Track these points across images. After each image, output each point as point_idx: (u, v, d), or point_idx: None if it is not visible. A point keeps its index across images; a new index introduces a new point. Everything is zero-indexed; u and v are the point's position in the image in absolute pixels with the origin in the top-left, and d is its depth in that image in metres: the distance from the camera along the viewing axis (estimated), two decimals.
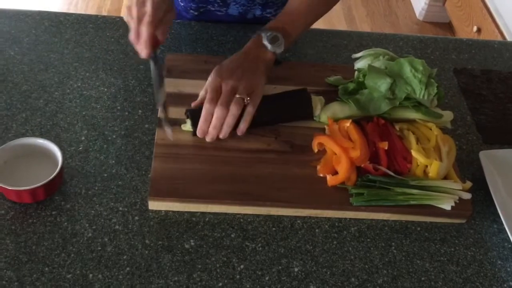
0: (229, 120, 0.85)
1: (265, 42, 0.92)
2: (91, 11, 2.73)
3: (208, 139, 0.87)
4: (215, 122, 0.85)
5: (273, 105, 0.92)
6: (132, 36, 0.82)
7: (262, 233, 0.80)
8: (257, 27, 0.96)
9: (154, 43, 0.82)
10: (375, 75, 0.92)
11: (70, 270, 0.73)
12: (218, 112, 0.85)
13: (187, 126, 0.88)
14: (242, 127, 0.87)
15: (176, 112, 0.90)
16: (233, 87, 0.86)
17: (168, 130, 0.86)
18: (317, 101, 0.93)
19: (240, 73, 0.88)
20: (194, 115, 0.87)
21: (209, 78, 0.88)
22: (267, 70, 0.93)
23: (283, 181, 0.84)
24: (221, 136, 0.87)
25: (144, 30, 0.80)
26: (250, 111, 0.87)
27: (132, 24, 0.81)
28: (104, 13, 2.68)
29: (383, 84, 0.91)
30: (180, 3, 1.15)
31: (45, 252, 0.74)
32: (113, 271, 0.73)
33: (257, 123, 0.89)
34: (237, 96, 0.85)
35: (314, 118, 0.93)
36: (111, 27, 1.10)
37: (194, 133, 0.87)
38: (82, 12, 2.70)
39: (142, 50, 0.82)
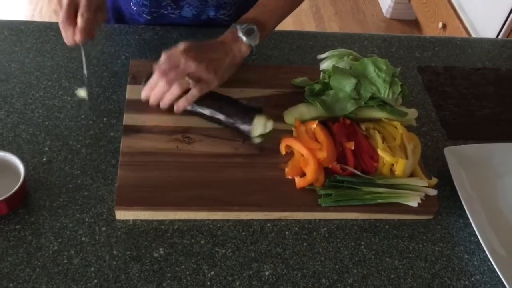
0: (168, 97, 0.86)
1: (240, 35, 0.91)
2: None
3: (150, 102, 0.88)
4: (156, 92, 0.87)
5: (220, 105, 0.90)
6: (63, 19, 0.83)
7: (232, 238, 0.80)
8: (223, 31, 0.95)
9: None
10: (339, 76, 0.93)
11: (35, 285, 0.71)
12: (160, 85, 0.86)
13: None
14: (180, 104, 0.87)
15: (141, 118, 0.89)
16: (186, 69, 0.86)
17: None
18: (261, 122, 0.87)
19: (204, 62, 0.87)
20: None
21: (176, 47, 0.87)
22: (237, 63, 0.92)
23: (252, 184, 0.84)
24: (161, 106, 0.88)
25: (84, 17, 0.82)
26: (194, 93, 0.87)
27: (63, 11, 0.83)
28: None
29: (348, 85, 0.92)
30: (133, 7, 1.13)
31: (9, 268, 0.72)
32: (80, 284, 0.72)
33: (197, 113, 0.90)
34: (185, 78, 0.85)
35: (252, 137, 0.89)
36: None
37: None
38: (47, 19, 2.65)
39: (79, 32, 0.83)
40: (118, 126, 0.91)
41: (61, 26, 0.85)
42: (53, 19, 2.66)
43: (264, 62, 1.10)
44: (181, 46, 0.87)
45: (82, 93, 0.94)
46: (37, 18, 2.69)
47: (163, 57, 0.88)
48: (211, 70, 0.87)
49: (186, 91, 0.86)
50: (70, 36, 0.85)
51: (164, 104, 0.88)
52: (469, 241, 0.85)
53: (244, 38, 0.91)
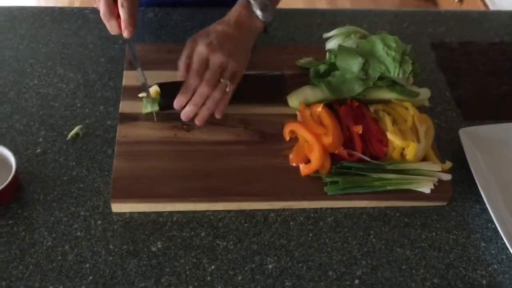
0: (211, 104, 0.79)
1: (256, 10, 0.85)
2: (62, 2, 2.65)
3: (184, 117, 0.81)
4: (197, 99, 0.79)
5: (245, 84, 0.85)
6: (105, 12, 0.76)
7: (233, 229, 0.76)
8: (224, 10, 0.90)
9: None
10: (346, 55, 0.87)
11: (28, 283, 0.68)
12: (202, 89, 0.78)
13: (148, 107, 0.83)
14: (221, 108, 0.81)
15: (138, 106, 0.85)
16: (222, 64, 0.79)
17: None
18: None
19: (230, 47, 0.80)
20: (166, 88, 0.83)
21: (194, 46, 0.81)
22: (253, 42, 0.87)
23: (254, 173, 0.80)
24: (197, 122, 0.81)
25: (125, 7, 0.75)
26: (228, 97, 0.81)
27: (102, 3, 0.76)
28: (77, 5, 2.60)
29: (355, 64, 0.87)
30: None
31: (1, 265, 0.70)
32: (75, 281, 0.69)
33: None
34: (222, 81, 0.79)
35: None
36: (69, 19, 1.04)
37: (162, 107, 0.83)
38: (52, 5, 2.62)
39: (126, 28, 0.77)
40: (115, 114, 0.87)
41: (103, 19, 0.78)
42: (58, 4, 2.63)
43: (268, 42, 1.05)
44: (198, 40, 0.80)
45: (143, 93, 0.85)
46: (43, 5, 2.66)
47: (182, 63, 0.81)
48: (240, 59, 0.81)
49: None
50: (115, 28, 0.78)
51: (203, 116, 0.80)
52: (486, 228, 0.80)
53: (260, 14, 0.85)
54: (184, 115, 0.81)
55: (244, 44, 0.84)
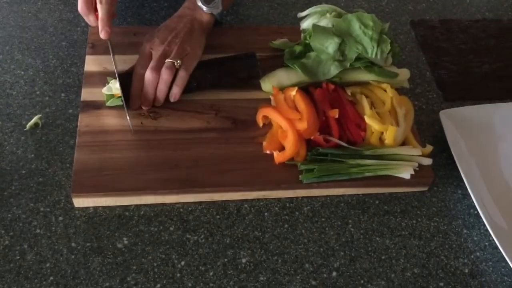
0: (161, 86, 0.79)
1: (200, 4, 0.84)
2: None
3: (143, 106, 0.79)
4: (146, 88, 0.79)
5: (213, 68, 0.83)
6: (82, 7, 0.78)
7: (204, 222, 0.72)
8: None
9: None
10: (321, 35, 0.83)
11: None
12: (147, 76, 0.78)
13: (112, 89, 0.79)
14: (175, 92, 0.79)
15: (100, 94, 0.80)
16: (164, 52, 0.79)
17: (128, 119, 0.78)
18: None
19: (173, 38, 0.81)
20: (124, 79, 0.78)
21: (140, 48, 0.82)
22: (204, 33, 0.85)
23: (226, 162, 0.76)
24: (156, 104, 0.80)
25: (103, 4, 0.77)
26: (182, 75, 0.79)
27: None
28: None
29: (330, 45, 0.82)
30: None
31: None
32: (34, 282, 0.65)
33: (193, 88, 0.81)
34: (168, 60, 0.78)
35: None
36: (28, 1, 0.98)
37: (124, 101, 0.78)
38: None
39: (103, 28, 0.78)
40: (78, 102, 0.82)
41: (81, 14, 0.80)
42: None
43: (240, 23, 1.00)
44: (144, 38, 0.82)
45: (114, 89, 0.80)
46: None
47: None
48: (185, 43, 0.80)
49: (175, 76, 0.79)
50: (93, 21, 0.80)
51: (160, 96, 0.79)
52: (468, 214, 0.78)
53: (204, 7, 0.84)
54: (143, 106, 0.80)
55: (187, 32, 0.82)
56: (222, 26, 0.94)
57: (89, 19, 0.80)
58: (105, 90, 0.79)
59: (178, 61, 0.78)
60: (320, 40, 0.82)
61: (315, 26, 0.83)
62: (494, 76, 0.97)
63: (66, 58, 0.89)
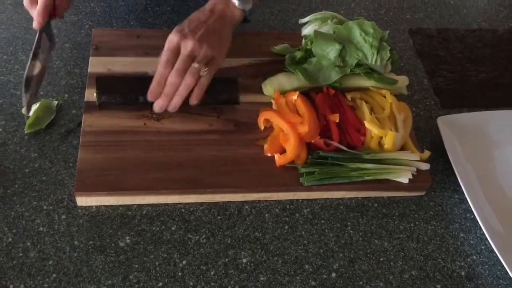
0: (182, 91, 0.77)
1: None
2: None
3: (157, 108, 0.78)
4: (168, 89, 0.76)
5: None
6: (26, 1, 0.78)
7: (206, 223, 0.73)
8: None
9: (51, 12, 0.77)
10: (322, 41, 0.84)
11: None
12: (172, 77, 0.76)
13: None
14: (196, 95, 0.78)
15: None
16: (193, 50, 0.76)
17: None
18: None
19: (203, 35, 0.77)
20: (102, 82, 0.78)
21: (168, 37, 0.78)
22: (233, 29, 0.83)
23: (227, 164, 0.77)
24: (170, 109, 0.78)
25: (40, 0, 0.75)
26: (204, 83, 0.78)
27: None
28: None
29: (331, 51, 0.84)
30: None
31: None
32: (37, 279, 0.65)
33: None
34: (195, 65, 0.76)
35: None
36: None
37: (98, 104, 0.78)
38: None
39: (36, 19, 0.76)
40: (81, 103, 0.83)
41: (26, 7, 0.79)
42: None
43: (242, 28, 1.01)
44: (172, 31, 0.77)
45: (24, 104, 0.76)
46: None
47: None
48: (214, 45, 0.78)
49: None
50: (34, 18, 0.78)
51: (175, 104, 0.77)
52: (465, 218, 0.79)
53: (237, 2, 0.82)
54: (157, 106, 0.78)
55: (218, 31, 0.80)
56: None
57: (32, 13, 0.78)
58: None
59: (205, 70, 0.77)
60: (321, 46, 0.84)
61: (316, 33, 0.85)
62: (490, 84, 0.99)
63: (69, 59, 0.90)
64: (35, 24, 0.77)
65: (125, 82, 0.80)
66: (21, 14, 0.96)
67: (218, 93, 0.82)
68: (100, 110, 0.79)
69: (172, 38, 0.76)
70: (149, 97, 0.77)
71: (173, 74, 0.76)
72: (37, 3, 0.77)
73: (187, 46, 0.75)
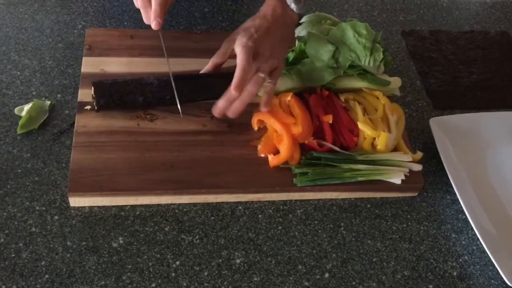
0: (246, 98, 0.75)
1: (291, 3, 0.82)
2: None
3: (216, 112, 0.77)
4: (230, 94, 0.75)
5: (190, 82, 0.81)
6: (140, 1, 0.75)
7: (199, 223, 0.73)
8: None
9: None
10: (315, 42, 0.84)
11: None
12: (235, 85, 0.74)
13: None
14: (264, 105, 0.78)
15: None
16: (258, 68, 0.76)
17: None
18: None
19: (270, 49, 0.77)
20: (99, 86, 0.78)
21: (231, 44, 0.77)
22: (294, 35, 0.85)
23: (221, 164, 0.77)
24: (231, 115, 0.77)
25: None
26: (271, 89, 0.78)
27: None
28: None
29: (325, 52, 0.84)
30: None
31: None
32: (29, 280, 0.65)
33: (167, 101, 0.79)
34: (260, 75, 0.76)
35: None
36: (25, 2, 0.98)
37: (96, 108, 0.78)
38: None
39: (154, 19, 0.74)
40: (74, 103, 0.82)
41: (140, 6, 0.76)
42: None
43: (235, 29, 1.01)
44: (241, 35, 0.76)
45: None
46: None
47: (221, 52, 0.79)
48: (280, 55, 0.79)
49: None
50: (152, 20, 0.76)
51: (237, 109, 0.76)
52: (457, 219, 0.79)
53: (295, 7, 0.83)
54: (217, 110, 0.77)
55: (283, 38, 0.81)
56: (216, 31, 0.95)
57: (147, 12, 0.76)
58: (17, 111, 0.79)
59: (269, 81, 0.77)
60: (315, 47, 0.84)
61: (310, 34, 0.85)
62: (481, 86, 1.00)
63: (62, 59, 0.89)
64: (155, 26, 0.75)
65: (122, 84, 0.79)
66: (13, 14, 0.96)
67: (212, 88, 0.81)
68: (93, 110, 0.79)
69: (245, 55, 0.74)
70: (216, 112, 0.77)
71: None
72: (151, 2, 0.75)
73: (258, 58, 0.76)
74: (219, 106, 0.77)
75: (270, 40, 0.78)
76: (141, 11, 0.76)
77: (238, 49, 0.75)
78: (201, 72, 0.81)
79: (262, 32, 0.78)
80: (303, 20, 0.94)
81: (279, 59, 0.79)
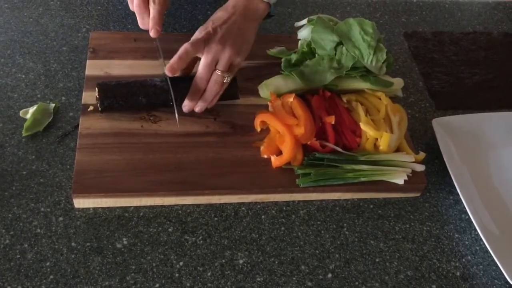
0: (208, 97, 0.79)
1: None
2: None
3: (185, 109, 0.80)
4: (194, 93, 0.79)
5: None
6: (139, 3, 0.75)
7: (202, 224, 0.74)
8: None
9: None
10: (322, 29, 0.84)
11: None
12: (197, 84, 0.78)
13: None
14: (214, 101, 0.81)
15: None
16: (216, 53, 0.76)
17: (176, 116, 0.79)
18: None
19: (224, 36, 0.76)
20: (103, 89, 0.78)
21: (196, 34, 0.78)
22: (257, 23, 0.83)
23: (224, 165, 0.77)
24: (197, 111, 0.80)
25: (156, 4, 0.75)
26: (226, 85, 0.80)
27: None
28: None
29: (329, 42, 0.84)
30: None
31: None
32: (34, 280, 0.65)
33: (168, 103, 0.80)
34: (218, 73, 0.77)
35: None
36: (29, 6, 0.99)
37: (100, 109, 0.79)
38: None
39: (153, 27, 0.75)
40: (78, 106, 0.83)
41: (137, 11, 0.77)
42: None
43: None
44: (198, 32, 0.77)
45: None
46: None
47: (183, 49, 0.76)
48: (237, 48, 0.78)
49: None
50: (147, 22, 0.77)
51: (203, 105, 0.80)
52: (460, 219, 0.80)
53: None
54: (185, 107, 0.80)
55: (242, 30, 0.79)
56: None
57: (144, 18, 0.76)
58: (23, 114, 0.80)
59: (228, 79, 0.79)
60: (320, 34, 0.84)
61: (319, 19, 0.85)
62: (484, 86, 1.00)
63: (67, 62, 0.90)
64: (154, 34, 0.75)
65: (125, 85, 0.80)
66: (18, 18, 0.97)
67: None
68: (97, 112, 0.80)
69: (197, 41, 0.75)
70: (185, 107, 0.80)
71: (198, 81, 0.77)
72: (148, 7, 0.76)
73: (211, 50, 0.76)
74: (184, 103, 0.79)
75: (226, 32, 0.77)
76: (137, 16, 0.77)
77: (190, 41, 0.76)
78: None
79: (218, 23, 0.77)
80: (304, 22, 0.94)
81: (237, 53, 0.78)
